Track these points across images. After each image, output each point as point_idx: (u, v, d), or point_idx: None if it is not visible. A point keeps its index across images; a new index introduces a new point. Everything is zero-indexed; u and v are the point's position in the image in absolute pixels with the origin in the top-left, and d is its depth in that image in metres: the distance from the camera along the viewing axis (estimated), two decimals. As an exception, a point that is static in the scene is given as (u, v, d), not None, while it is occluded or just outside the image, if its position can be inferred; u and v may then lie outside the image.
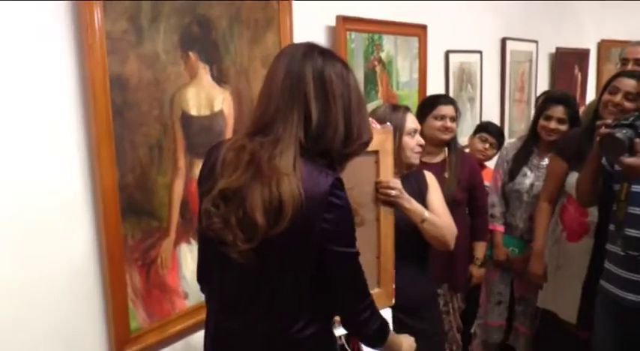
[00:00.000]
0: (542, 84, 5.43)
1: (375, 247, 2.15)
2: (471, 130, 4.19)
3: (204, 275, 1.76)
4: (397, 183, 2.16)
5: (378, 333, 1.72)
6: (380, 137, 2.05)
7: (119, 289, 2.04)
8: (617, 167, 2.34)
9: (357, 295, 1.65)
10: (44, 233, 1.87)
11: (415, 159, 2.38)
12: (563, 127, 3.25)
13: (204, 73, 2.29)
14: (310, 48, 1.56)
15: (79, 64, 1.91)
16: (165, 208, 2.18)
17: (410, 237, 2.26)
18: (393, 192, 2.12)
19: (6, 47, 1.75)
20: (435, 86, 3.84)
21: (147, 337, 2.16)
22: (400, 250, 2.19)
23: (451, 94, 4.10)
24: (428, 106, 3.17)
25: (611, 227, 2.42)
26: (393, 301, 2.21)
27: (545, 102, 3.39)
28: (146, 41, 2.07)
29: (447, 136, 3.09)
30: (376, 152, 2.09)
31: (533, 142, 3.42)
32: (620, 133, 2.15)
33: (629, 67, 3.51)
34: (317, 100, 1.49)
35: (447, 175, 3.06)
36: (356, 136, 1.56)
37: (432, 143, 3.07)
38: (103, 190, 1.95)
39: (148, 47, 2.08)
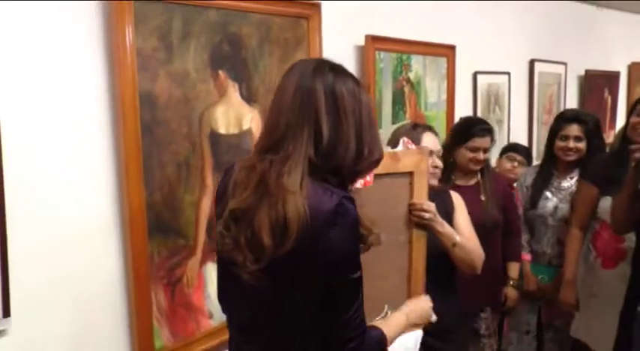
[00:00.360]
0: (571, 106, 5.36)
1: (405, 270, 2.11)
2: (498, 152, 4.15)
3: (223, 296, 1.72)
4: (431, 206, 2.11)
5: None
6: (415, 158, 2.03)
7: (144, 307, 2.02)
8: None
9: (347, 320, 1.53)
10: (72, 249, 1.87)
11: (430, 179, 2.35)
12: (581, 145, 3.19)
13: (234, 92, 2.29)
14: (321, 63, 1.53)
15: (110, 81, 1.92)
16: (192, 227, 2.16)
17: (438, 260, 2.22)
18: (427, 214, 2.07)
19: (38, 63, 1.76)
20: (463, 107, 3.81)
21: (171, 357, 2.14)
22: (428, 274, 2.15)
23: (479, 116, 4.06)
24: (463, 134, 3.07)
25: None
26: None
27: (558, 122, 3.33)
28: (176, 59, 2.08)
29: (477, 167, 3.06)
30: (411, 173, 2.05)
31: (550, 164, 3.34)
32: None
33: None
34: (328, 116, 1.46)
35: (483, 197, 3.03)
36: (367, 153, 1.52)
37: (464, 170, 3.08)
38: (131, 207, 1.95)
39: (178, 65, 2.08)
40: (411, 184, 2.06)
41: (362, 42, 2.97)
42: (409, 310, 1.86)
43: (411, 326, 1.87)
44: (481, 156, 3.02)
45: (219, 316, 2.25)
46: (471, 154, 3.02)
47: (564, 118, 3.32)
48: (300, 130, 1.44)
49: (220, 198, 1.57)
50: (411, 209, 2.07)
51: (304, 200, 1.40)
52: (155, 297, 2.07)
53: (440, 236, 2.16)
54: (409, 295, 2.11)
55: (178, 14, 2.08)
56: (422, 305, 1.96)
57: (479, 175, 3.10)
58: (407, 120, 3.30)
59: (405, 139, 2.14)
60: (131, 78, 1.92)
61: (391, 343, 1.70)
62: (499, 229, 3.11)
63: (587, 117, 3.30)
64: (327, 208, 1.42)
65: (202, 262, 2.21)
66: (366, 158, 1.52)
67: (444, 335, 2.31)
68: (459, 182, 3.06)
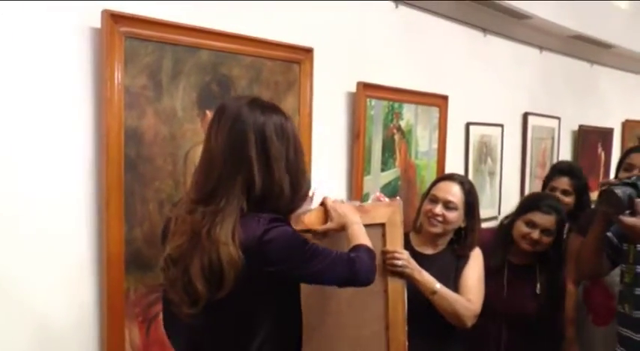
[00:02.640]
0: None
1: (382, 319, 2.12)
2: (489, 204, 4.15)
3: (166, 325, 1.81)
4: (404, 253, 2.13)
5: (370, 270, 1.73)
6: (386, 210, 2.12)
7: (117, 343, 2.00)
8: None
9: (341, 270, 1.65)
10: (46, 281, 1.86)
11: (430, 227, 2.37)
12: (568, 199, 3.20)
13: (220, 132, 2.30)
14: (251, 103, 1.57)
15: (96, 115, 1.94)
16: (172, 265, 2.15)
17: (425, 308, 2.21)
18: (400, 262, 2.10)
19: (25, 95, 1.79)
20: (454, 158, 3.83)
21: (143, 397, 2.10)
22: (415, 322, 2.14)
23: (470, 167, 4.08)
24: (525, 206, 2.80)
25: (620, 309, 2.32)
26: None
27: (552, 173, 3.36)
28: (164, 97, 2.10)
29: (530, 248, 2.69)
30: (382, 225, 2.12)
31: None
32: (620, 190, 2.09)
33: None
34: (259, 163, 1.51)
35: (538, 289, 2.68)
36: (300, 191, 1.62)
37: (518, 248, 2.74)
38: (109, 241, 1.95)
39: (166, 103, 2.11)
40: (384, 235, 2.12)
41: (353, 89, 3.00)
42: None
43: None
44: (536, 235, 2.65)
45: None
46: (525, 230, 2.69)
47: (556, 169, 3.37)
48: (233, 182, 1.50)
49: (163, 237, 1.66)
50: (384, 257, 2.10)
51: (237, 249, 1.46)
52: (129, 334, 2.04)
53: (417, 284, 2.17)
54: (389, 342, 2.12)
55: (169, 53, 2.11)
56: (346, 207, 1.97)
57: (536, 257, 2.75)
58: (396, 168, 3.31)
59: (378, 193, 2.24)
60: (118, 114, 1.94)
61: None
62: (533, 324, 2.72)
63: (580, 172, 3.33)
64: (256, 235, 1.49)
65: (180, 301, 2.19)
66: (299, 197, 1.62)
67: None
68: (513, 259, 2.76)
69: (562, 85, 5.19)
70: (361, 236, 1.85)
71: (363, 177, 3.05)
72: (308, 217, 1.94)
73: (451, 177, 2.48)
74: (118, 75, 1.94)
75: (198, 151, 2.17)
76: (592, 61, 5.58)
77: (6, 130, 1.76)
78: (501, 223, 2.93)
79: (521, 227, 2.70)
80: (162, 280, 1.62)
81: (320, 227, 1.92)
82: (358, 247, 1.76)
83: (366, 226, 1.95)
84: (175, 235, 1.54)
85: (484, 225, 3.33)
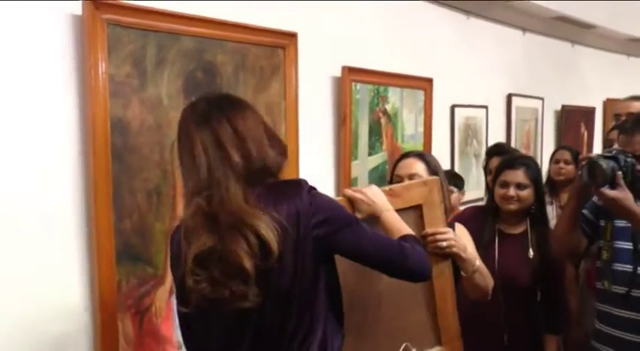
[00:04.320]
0: (548, 141, 5.43)
1: (431, 305, 1.99)
2: (476, 185, 4.16)
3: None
4: (449, 232, 1.96)
5: (424, 261, 1.62)
6: (421, 190, 1.94)
7: (110, 336, 1.98)
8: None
9: (391, 253, 1.58)
10: (36, 274, 1.83)
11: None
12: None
13: (207, 119, 2.27)
14: (218, 101, 1.60)
15: (81, 105, 1.91)
16: (162, 256, 2.12)
17: None
18: (445, 243, 1.92)
19: (8, 84, 1.75)
20: (440, 140, 3.83)
21: (137, 389, 2.09)
22: None
23: (456, 150, 4.09)
24: (497, 170, 2.84)
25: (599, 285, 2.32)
26: None
27: (485, 157, 3.43)
28: (149, 85, 2.07)
29: (512, 207, 2.69)
30: (418, 207, 1.93)
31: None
32: (604, 162, 2.07)
33: None
34: (235, 142, 1.52)
35: (531, 253, 2.66)
36: (280, 145, 1.62)
37: (506, 214, 2.76)
38: (99, 233, 1.92)
39: (151, 91, 2.07)
40: (421, 216, 1.94)
41: (338, 73, 2.98)
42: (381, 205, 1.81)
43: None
44: (511, 192, 2.67)
45: (188, 347, 2.21)
46: (501, 191, 2.72)
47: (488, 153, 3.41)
48: (222, 168, 1.49)
49: (175, 264, 1.58)
50: (425, 241, 1.91)
51: (268, 218, 1.45)
52: (122, 326, 2.02)
53: (462, 263, 1.99)
54: (438, 329, 2.02)
55: (153, 41, 2.07)
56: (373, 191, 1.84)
57: (528, 225, 2.74)
58: (383, 152, 3.30)
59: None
60: (103, 103, 1.90)
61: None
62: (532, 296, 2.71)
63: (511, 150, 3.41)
64: (305, 205, 1.51)
65: (172, 292, 2.16)
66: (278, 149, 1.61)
67: None
68: (502, 227, 2.76)
69: (545, 66, 5.21)
70: (397, 224, 1.74)
71: (350, 162, 3.04)
72: None
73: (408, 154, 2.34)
74: (101, 63, 1.90)
75: (185, 140, 2.16)
76: (574, 42, 5.61)
77: (-12, 122, 1.72)
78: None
79: (498, 191, 2.73)
80: (193, 298, 1.49)
81: None
82: (405, 238, 1.66)
83: (399, 211, 1.81)
84: (193, 234, 1.46)
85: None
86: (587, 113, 5.96)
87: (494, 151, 3.48)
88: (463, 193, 3.52)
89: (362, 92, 3.12)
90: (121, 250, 1.99)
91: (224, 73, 2.33)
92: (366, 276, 1.73)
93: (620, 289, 2.23)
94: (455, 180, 3.39)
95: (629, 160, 2.12)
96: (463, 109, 4.14)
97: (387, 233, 1.71)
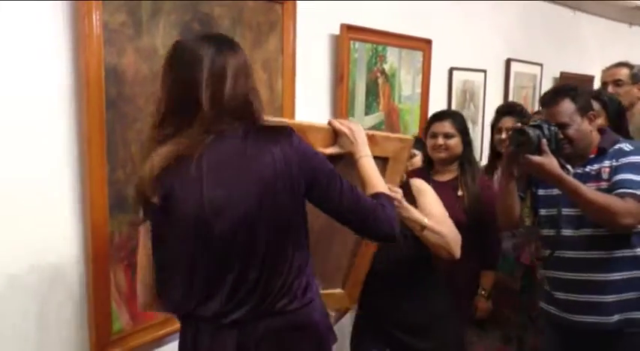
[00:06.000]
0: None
1: (352, 254, 2.12)
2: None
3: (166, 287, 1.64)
4: (399, 192, 2.06)
5: (392, 223, 1.64)
6: (397, 145, 1.99)
7: (102, 288, 1.97)
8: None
9: (367, 215, 1.61)
10: (27, 224, 1.81)
11: None
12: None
13: (203, 72, 2.24)
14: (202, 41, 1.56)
15: (74, 53, 1.87)
16: (156, 208, 2.11)
17: (411, 261, 2.24)
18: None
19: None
20: (437, 102, 3.80)
21: (129, 340, 2.09)
22: (402, 275, 2.18)
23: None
24: (427, 124, 3.02)
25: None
26: (355, 306, 2.28)
27: (495, 116, 3.30)
28: (145, 35, 2.03)
29: (442, 155, 2.86)
30: (386, 159, 1.98)
31: (495, 158, 3.26)
32: (531, 130, 2.18)
33: (610, 89, 3.52)
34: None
35: (459, 193, 2.83)
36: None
37: (437, 163, 2.92)
38: (92, 183, 1.90)
39: (147, 41, 2.04)
40: (384, 170, 1.98)
41: (337, 31, 2.94)
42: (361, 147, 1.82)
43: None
44: (439, 141, 2.83)
45: (180, 300, 2.21)
46: (431, 141, 2.88)
47: (499, 111, 3.31)
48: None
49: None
50: None
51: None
52: (114, 278, 2.02)
53: (407, 221, 2.12)
54: (348, 275, 2.17)
55: (148, -10, 2.03)
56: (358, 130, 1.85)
57: (458, 170, 2.92)
58: (380, 112, 3.28)
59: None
60: (97, 51, 1.87)
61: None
62: (462, 230, 2.78)
63: (522, 109, 3.30)
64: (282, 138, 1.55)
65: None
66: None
67: (419, 333, 2.30)
68: (436, 177, 2.92)
69: (545, 32, 5.16)
70: (374, 176, 1.75)
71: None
72: (313, 135, 1.79)
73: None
74: (95, 11, 1.86)
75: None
76: (575, 8, 5.54)
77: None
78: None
79: (428, 142, 2.90)
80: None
81: (325, 150, 1.79)
82: (379, 196, 1.67)
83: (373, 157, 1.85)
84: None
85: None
86: (585, 81, 5.92)
87: (506, 110, 3.30)
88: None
89: (360, 51, 3.08)
90: (113, 202, 1.98)
91: (221, 26, 2.29)
92: (311, 216, 1.72)
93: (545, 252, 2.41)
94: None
95: (552, 128, 2.23)
96: (461, 72, 4.11)
97: (363, 181, 1.74)
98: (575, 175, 2.25)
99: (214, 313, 1.56)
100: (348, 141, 1.80)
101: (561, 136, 2.24)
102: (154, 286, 1.64)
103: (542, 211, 2.43)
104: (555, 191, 2.31)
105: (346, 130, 1.81)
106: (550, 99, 2.32)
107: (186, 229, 1.52)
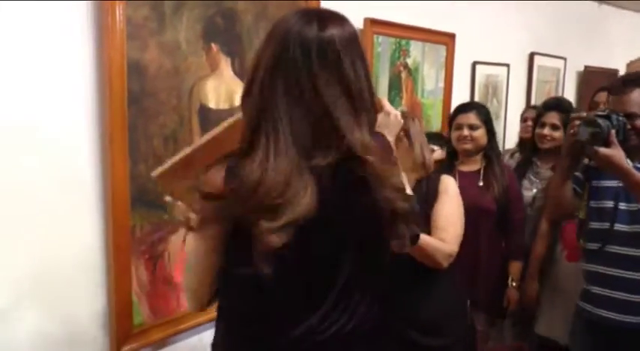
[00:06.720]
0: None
1: None
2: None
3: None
4: None
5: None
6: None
7: (124, 281, 1.98)
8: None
9: None
10: (50, 219, 1.82)
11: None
12: (557, 134, 3.06)
13: (226, 66, 2.24)
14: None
15: (97, 47, 1.87)
16: (177, 202, 2.11)
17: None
18: None
19: (24, 27, 1.71)
20: (460, 97, 3.75)
21: (150, 334, 2.10)
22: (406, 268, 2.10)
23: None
24: (451, 117, 3.02)
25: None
26: None
27: (540, 109, 3.24)
28: (168, 29, 2.02)
29: (467, 146, 2.87)
30: None
31: (531, 152, 3.23)
32: (602, 120, 2.11)
33: None
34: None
35: (481, 183, 2.85)
36: None
37: (462, 154, 2.93)
38: (114, 177, 1.90)
39: (170, 35, 2.03)
40: None
41: (361, 25, 2.92)
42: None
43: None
44: (465, 132, 2.85)
45: (201, 295, 2.21)
46: (456, 133, 2.90)
47: (545, 105, 3.25)
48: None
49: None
50: None
51: None
52: (135, 272, 2.02)
53: None
54: None
55: (171, -16, 2.02)
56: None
57: (483, 161, 2.92)
58: (402, 106, 3.25)
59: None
60: (120, 45, 1.87)
61: None
62: (491, 219, 2.85)
63: (569, 106, 3.24)
64: None
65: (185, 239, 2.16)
66: None
67: (432, 331, 2.26)
68: (461, 168, 2.93)
69: (569, 25, 5.08)
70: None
71: (369, 115, 2.99)
72: None
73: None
74: (119, 5, 1.85)
75: (203, 86, 2.14)
76: (600, 1, 5.46)
77: (4, 65, 1.68)
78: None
79: (453, 134, 2.93)
80: None
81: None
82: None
83: None
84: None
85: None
86: (610, 75, 5.82)
87: (554, 104, 3.21)
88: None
89: (383, 45, 3.06)
90: (135, 196, 1.98)
91: (244, 21, 2.28)
92: None
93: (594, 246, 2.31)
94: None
95: (620, 118, 2.16)
96: (484, 66, 4.06)
97: None
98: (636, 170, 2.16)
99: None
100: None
101: (629, 126, 2.17)
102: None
103: (592, 204, 2.35)
104: (607, 183, 2.26)
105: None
106: (619, 88, 2.24)
107: None
